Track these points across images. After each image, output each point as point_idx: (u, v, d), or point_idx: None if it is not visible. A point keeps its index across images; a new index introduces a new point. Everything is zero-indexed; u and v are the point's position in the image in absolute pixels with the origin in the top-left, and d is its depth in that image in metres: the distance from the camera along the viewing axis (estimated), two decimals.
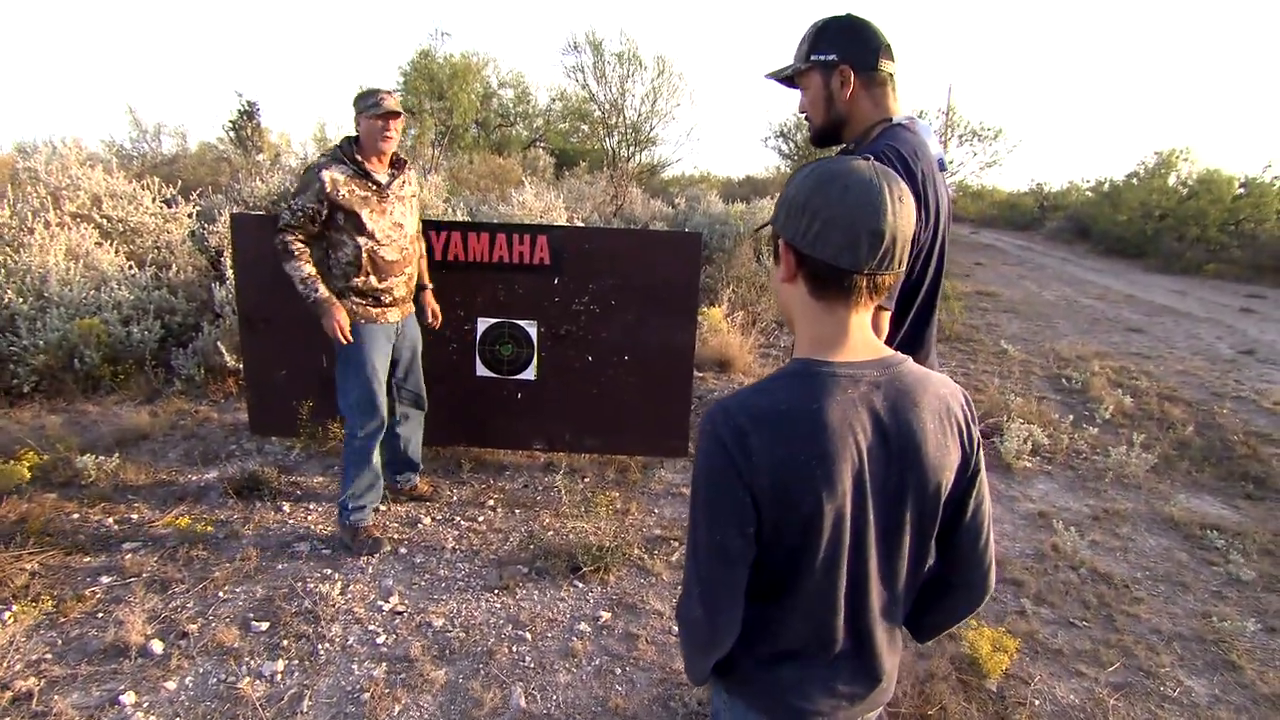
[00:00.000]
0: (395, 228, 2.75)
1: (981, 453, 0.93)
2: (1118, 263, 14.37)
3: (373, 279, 2.70)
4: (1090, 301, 9.48)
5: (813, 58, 1.37)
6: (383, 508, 3.13)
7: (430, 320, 3.11)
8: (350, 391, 2.75)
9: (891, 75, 1.39)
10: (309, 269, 2.61)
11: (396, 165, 2.78)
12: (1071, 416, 4.56)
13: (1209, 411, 4.88)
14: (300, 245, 2.61)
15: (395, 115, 2.65)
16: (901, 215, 0.82)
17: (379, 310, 2.75)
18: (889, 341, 1.36)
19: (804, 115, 1.46)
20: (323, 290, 2.61)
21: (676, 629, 0.92)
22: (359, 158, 2.66)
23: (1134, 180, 16.84)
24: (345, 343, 2.65)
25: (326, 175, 2.58)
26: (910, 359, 0.91)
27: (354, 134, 2.72)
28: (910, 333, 1.40)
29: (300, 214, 2.58)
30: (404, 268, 2.80)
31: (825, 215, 0.81)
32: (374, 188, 2.68)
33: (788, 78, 1.44)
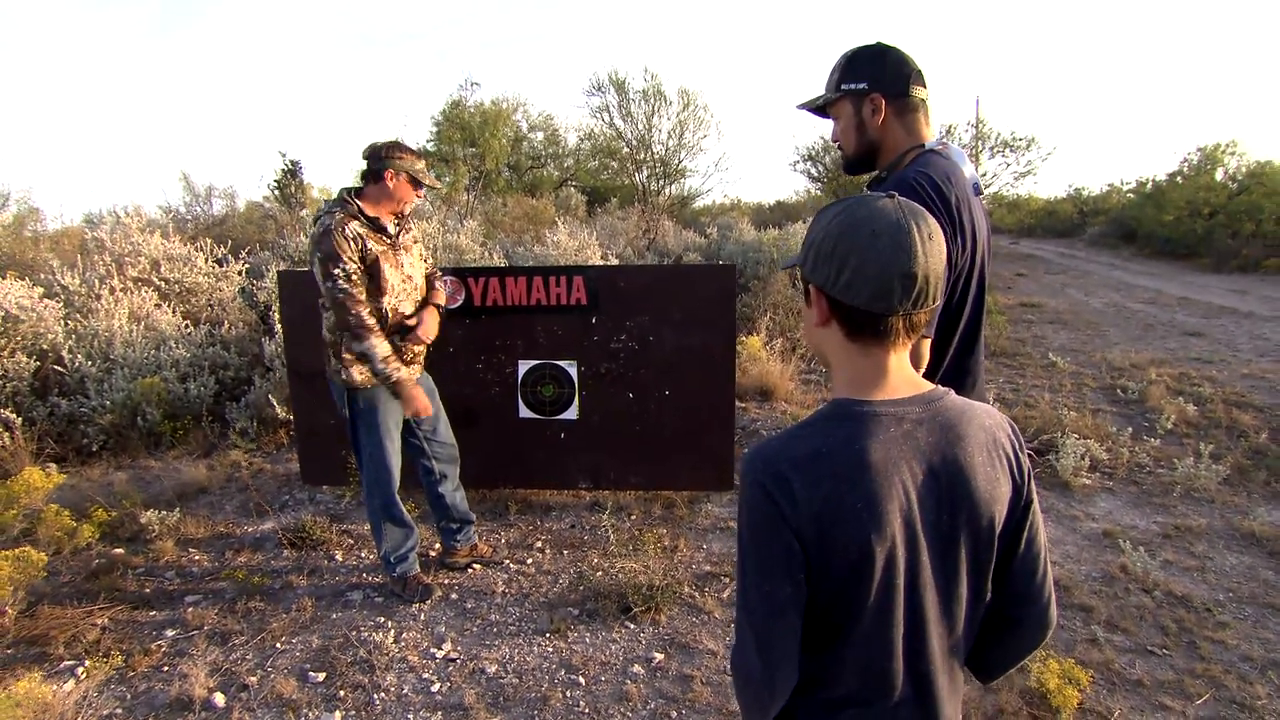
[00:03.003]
0: (407, 280, 2.66)
1: (1033, 483, 0.90)
2: (1168, 265, 13.87)
3: (395, 338, 2.61)
4: (1141, 307, 9.14)
5: (843, 87, 1.38)
6: (433, 553, 3.15)
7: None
8: (363, 451, 2.68)
9: (923, 101, 1.39)
10: (386, 348, 2.50)
11: (399, 216, 2.68)
12: (1130, 429, 4.37)
13: None
14: (373, 319, 2.48)
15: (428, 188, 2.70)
16: (932, 254, 0.81)
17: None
18: (933, 373, 1.33)
19: (836, 144, 1.46)
20: (402, 371, 2.55)
21: (732, 680, 0.90)
22: (370, 211, 2.54)
23: (1178, 179, 16.33)
24: (428, 415, 2.67)
25: (351, 231, 2.46)
26: (952, 392, 0.89)
27: (356, 185, 2.60)
28: (955, 363, 1.37)
29: (353, 279, 2.43)
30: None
31: (855, 262, 0.81)
32: (388, 241, 2.58)
33: (819, 107, 1.45)
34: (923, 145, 1.38)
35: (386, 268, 2.55)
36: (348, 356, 2.56)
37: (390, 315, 2.59)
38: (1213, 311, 8.63)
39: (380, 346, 2.49)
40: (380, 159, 2.54)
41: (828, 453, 0.80)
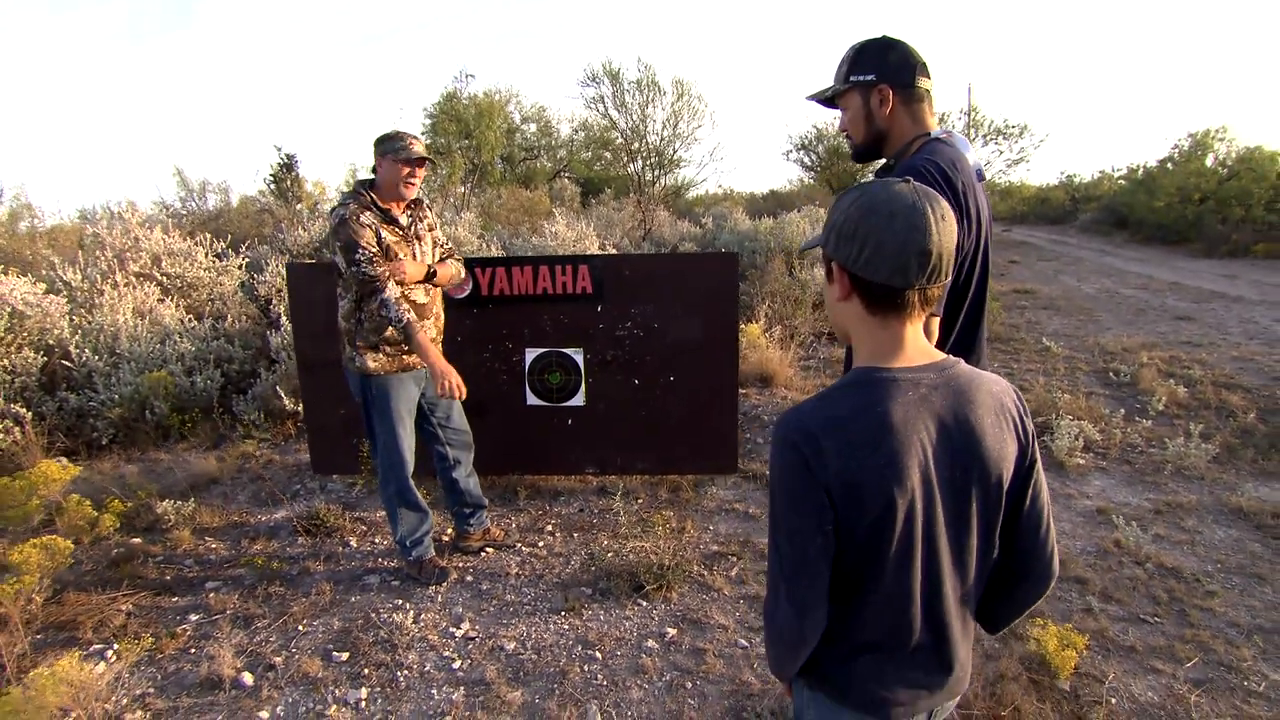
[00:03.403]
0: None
1: (1036, 444, 0.98)
2: (1159, 250, 14.02)
3: None
4: (1132, 292, 9.27)
5: (852, 79, 1.45)
6: (445, 538, 3.23)
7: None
8: (378, 437, 2.74)
9: (928, 91, 1.46)
10: (398, 291, 2.55)
11: (412, 206, 2.72)
12: (1123, 410, 4.48)
13: (1271, 397, 4.74)
14: (400, 295, 2.54)
15: (423, 162, 2.58)
16: (945, 232, 0.89)
17: (413, 357, 2.68)
18: (943, 344, 1.41)
19: (844, 133, 1.53)
20: (414, 314, 2.57)
21: (763, 630, 0.98)
22: (381, 203, 2.59)
23: (1169, 165, 16.47)
24: (462, 397, 2.61)
25: (367, 219, 2.52)
26: (962, 361, 0.97)
27: (369, 177, 2.65)
28: (961, 335, 1.45)
29: (375, 261, 2.51)
30: (433, 309, 2.76)
31: (874, 241, 0.88)
32: (400, 232, 2.63)
33: (828, 99, 1.52)
34: (928, 133, 1.45)
35: (399, 257, 2.60)
36: (361, 344, 2.63)
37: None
38: (1203, 296, 8.75)
39: (391, 289, 2.51)
40: (374, 151, 2.59)
41: (854, 415, 0.88)
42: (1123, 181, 19.82)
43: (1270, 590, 2.71)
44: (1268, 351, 5.93)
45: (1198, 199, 14.40)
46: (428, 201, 2.89)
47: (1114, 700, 2.13)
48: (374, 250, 2.52)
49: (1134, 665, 2.30)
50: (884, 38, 1.47)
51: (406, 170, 2.57)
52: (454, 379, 2.58)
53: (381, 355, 2.64)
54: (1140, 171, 18.27)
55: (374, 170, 2.64)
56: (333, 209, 2.62)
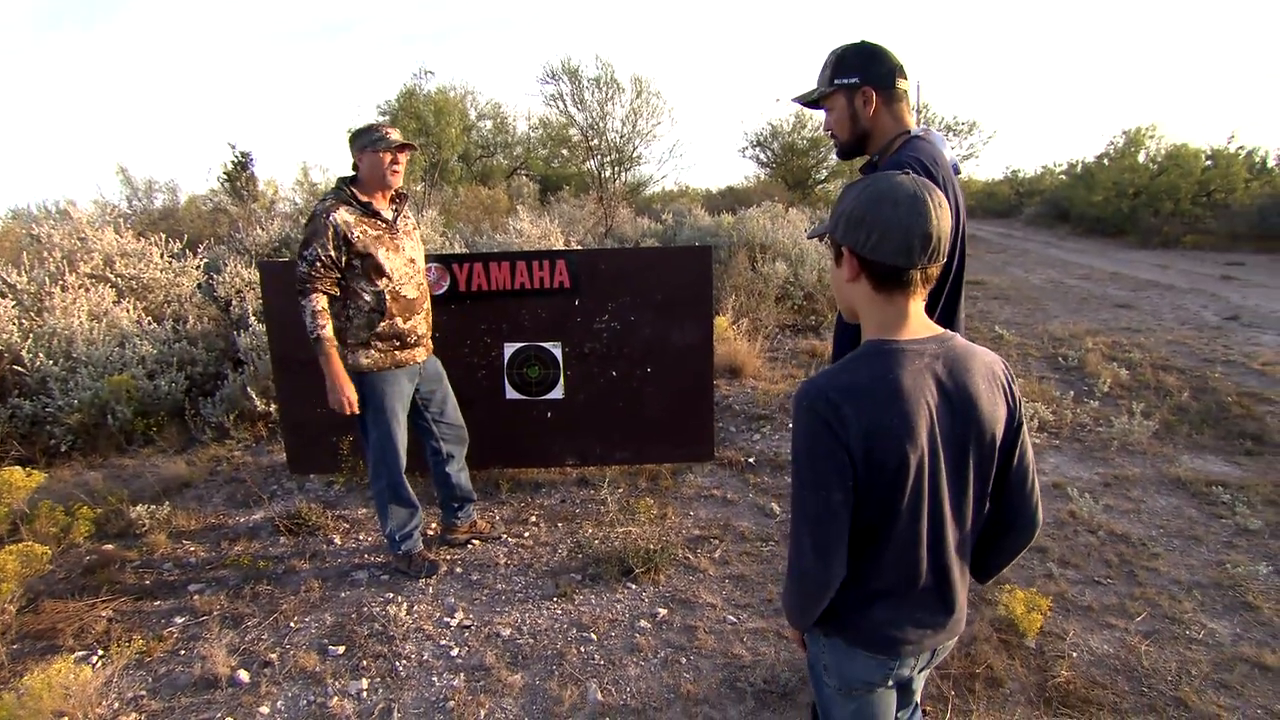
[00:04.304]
0: (409, 264, 2.70)
1: (1023, 407, 1.10)
2: (1098, 242, 14.74)
3: (397, 320, 2.65)
4: (1076, 282, 9.74)
5: (836, 81, 1.55)
6: (430, 532, 3.25)
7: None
8: (371, 433, 2.75)
9: (905, 92, 1.57)
10: (322, 304, 2.54)
11: (396, 200, 2.72)
12: (1072, 393, 4.76)
13: (1202, 377, 5.09)
14: (323, 293, 2.53)
15: (404, 148, 2.59)
16: (942, 217, 1.00)
17: (406, 353, 2.71)
18: None
19: (829, 133, 1.64)
20: (328, 329, 2.55)
21: (787, 582, 1.08)
22: (362, 197, 2.58)
23: (1105, 160, 17.31)
24: (350, 413, 2.61)
25: (337, 218, 2.49)
26: (957, 335, 1.09)
27: (350, 173, 2.63)
28: (943, 315, 1.57)
29: (318, 264, 2.50)
30: (423, 304, 2.77)
31: (881, 227, 0.99)
32: (384, 225, 2.61)
33: (813, 101, 1.62)
34: (908, 131, 1.56)
35: (383, 252, 2.60)
36: (353, 342, 2.64)
37: (390, 299, 2.64)
38: (1140, 285, 9.27)
39: (318, 301, 2.53)
40: (351, 148, 2.61)
41: (869, 382, 0.98)
42: (1063, 176, 20.74)
43: (1206, 550, 2.95)
44: (1197, 335, 6.35)
45: (1132, 193, 15.18)
46: (412, 200, 2.91)
47: (1075, 654, 2.31)
48: (323, 254, 2.51)
49: (1091, 622, 2.49)
50: (863, 43, 1.58)
51: (389, 158, 2.58)
52: (346, 397, 2.59)
53: (374, 352, 2.65)
54: (1079, 167, 19.14)
55: (354, 167, 2.64)
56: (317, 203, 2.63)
